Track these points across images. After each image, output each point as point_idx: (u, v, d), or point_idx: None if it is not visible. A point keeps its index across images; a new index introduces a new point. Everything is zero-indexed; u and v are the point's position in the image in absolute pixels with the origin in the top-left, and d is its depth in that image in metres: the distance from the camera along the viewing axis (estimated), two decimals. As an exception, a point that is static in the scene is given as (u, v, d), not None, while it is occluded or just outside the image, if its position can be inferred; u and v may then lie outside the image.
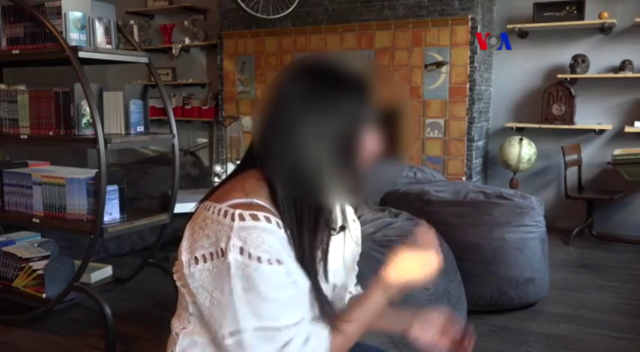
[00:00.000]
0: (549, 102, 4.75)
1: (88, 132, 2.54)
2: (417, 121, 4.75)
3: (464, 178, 4.68)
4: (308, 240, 1.01)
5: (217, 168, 3.73)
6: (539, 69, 4.94)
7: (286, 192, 0.99)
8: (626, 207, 4.74)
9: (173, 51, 6.17)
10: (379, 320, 1.11)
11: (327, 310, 1.03)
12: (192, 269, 0.99)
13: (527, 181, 5.00)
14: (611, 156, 4.29)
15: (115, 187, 2.58)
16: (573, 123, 4.72)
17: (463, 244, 2.90)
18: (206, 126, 6.03)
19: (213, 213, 0.99)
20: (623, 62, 4.51)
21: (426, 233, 1.12)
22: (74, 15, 2.47)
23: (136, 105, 2.68)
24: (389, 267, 1.07)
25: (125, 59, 2.71)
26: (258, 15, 4.60)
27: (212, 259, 0.96)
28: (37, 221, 2.68)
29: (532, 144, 4.69)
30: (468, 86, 4.63)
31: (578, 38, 4.76)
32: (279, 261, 0.96)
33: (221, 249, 0.95)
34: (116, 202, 2.59)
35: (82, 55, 2.43)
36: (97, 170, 2.47)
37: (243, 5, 4.40)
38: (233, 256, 0.94)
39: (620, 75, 4.52)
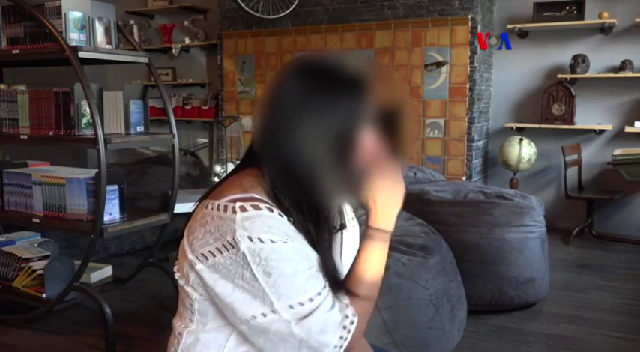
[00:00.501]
0: (549, 102, 4.74)
1: (88, 132, 2.54)
2: (417, 121, 4.75)
3: (464, 178, 4.68)
4: (314, 229, 1.02)
5: (217, 168, 3.74)
6: (539, 69, 4.94)
7: (285, 189, 1.00)
8: (626, 207, 4.74)
9: (173, 51, 6.17)
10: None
11: (337, 279, 1.04)
12: (200, 266, 0.98)
13: (527, 181, 5.00)
14: (611, 156, 4.28)
15: (115, 187, 2.58)
16: (573, 123, 4.72)
17: (463, 244, 2.90)
18: (206, 126, 6.02)
19: (212, 209, 0.98)
20: (623, 62, 4.50)
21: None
22: (74, 15, 2.47)
23: (136, 105, 2.68)
24: (374, 215, 1.07)
25: (125, 59, 2.71)
26: (258, 15, 4.60)
27: (222, 252, 0.96)
28: (37, 221, 2.68)
29: (532, 144, 4.69)
30: (467, 86, 4.62)
31: (578, 38, 4.76)
32: (290, 239, 0.97)
33: (228, 241, 0.95)
34: (116, 202, 2.60)
35: (82, 55, 2.43)
36: (97, 170, 2.47)
37: (243, 5, 4.39)
38: (245, 246, 0.94)
39: (620, 75, 4.52)
